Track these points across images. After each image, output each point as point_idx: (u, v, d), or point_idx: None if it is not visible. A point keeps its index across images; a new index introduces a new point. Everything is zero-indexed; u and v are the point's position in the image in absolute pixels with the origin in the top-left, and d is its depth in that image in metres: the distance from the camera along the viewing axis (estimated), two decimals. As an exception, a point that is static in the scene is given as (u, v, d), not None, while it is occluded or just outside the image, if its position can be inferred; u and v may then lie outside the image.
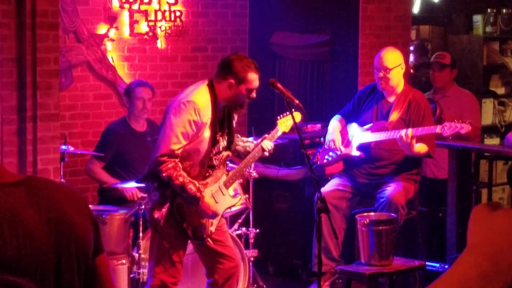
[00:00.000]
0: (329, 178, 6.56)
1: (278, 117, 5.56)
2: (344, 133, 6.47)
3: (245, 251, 6.10)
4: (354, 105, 6.50)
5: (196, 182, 4.96)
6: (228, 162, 5.37)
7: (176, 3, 7.72)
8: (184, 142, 4.90)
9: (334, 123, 6.50)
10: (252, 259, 6.31)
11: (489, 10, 8.68)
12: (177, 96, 5.08)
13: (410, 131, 6.01)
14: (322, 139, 6.86)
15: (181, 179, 4.88)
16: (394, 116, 6.25)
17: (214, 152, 5.05)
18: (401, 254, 6.05)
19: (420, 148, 6.13)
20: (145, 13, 7.57)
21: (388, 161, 6.32)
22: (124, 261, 5.86)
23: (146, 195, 5.29)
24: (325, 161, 6.51)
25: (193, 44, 7.92)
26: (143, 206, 5.71)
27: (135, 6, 7.50)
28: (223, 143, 5.11)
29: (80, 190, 6.76)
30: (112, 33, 7.42)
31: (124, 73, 7.52)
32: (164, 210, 4.98)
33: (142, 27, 7.58)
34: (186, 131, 4.88)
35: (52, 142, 6.13)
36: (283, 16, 8.16)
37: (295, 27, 8.13)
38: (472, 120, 6.23)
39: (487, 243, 1.30)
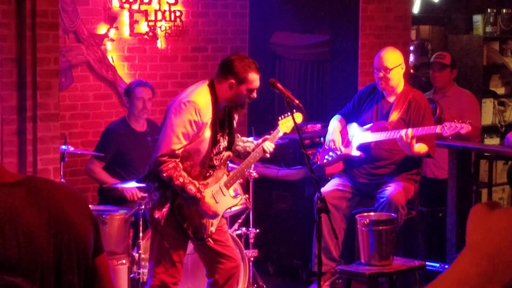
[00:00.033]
0: (329, 178, 6.56)
1: (279, 118, 5.56)
2: (344, 133, 6.47)
3: (245, 251, 6.10)
4: (354, 105, 6.50)
5: (196, 182, 4.96)
6: (228, 162, 5.37)
7: (176, 3, 7.72)
8: (184, 142, 4.90)
9: (334, 123, 6.50)
10: (252, 259, 6.31)
11: (489, 10, 8.68)
12: (177, 96, 5.08)
13: (410, 131, 6.01)
14: (322, 139, 6.86)
15: (181, 179, 4.88)
16: (394, 116, 6.25)
17: (214, 152, 5.05)
18: (401, 254, 6.05)
19: (420, 148, 6.13)
20: (145, 13, 7.57)
21: (388, 161, 6.32)
22: (124, 261, 5.86)
23: (146, 195, 5.29)
24: (325, 161, 6.51)
25: (193, 44, 7.92)
26: (143, 206, 5.71)
27: (135, 6, 7.50)
28: (223, 143, 5.11)
29: (80, 190, 6.76)
30: (112, 33, 7.42)
31: (124, 73, 7.52)
32: (164, 210, 4.98)
33: (142, 27, 7.58)
34: (187, 131, 4.88)
35: (52, 142, 6.13)
36: (283, 16, 8.16)
37: (295, 27, 8.13)
38: (472, 120, 6.23)
39: (487, 242, 1.30)
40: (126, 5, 7.46)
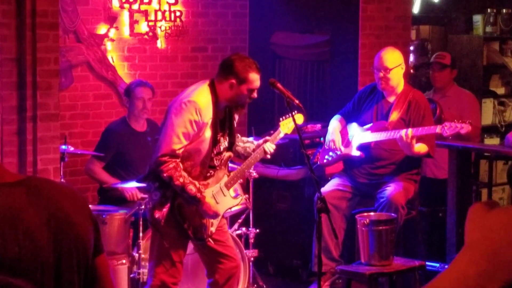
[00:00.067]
0: (329, 178, 6.55)
1: (281, 119, 5.55)
2: (344, 133, 6.47)
3: (245, 251, 6.10)
4: (354, 105, 6.49)
5: (196, 182, 4.96)
6: (229, 163, 5.37)
7: (176, 3, 7.72)
8: (185, 142, 4.90)
9: (334, 123, 6.50)
10: (252, 259, 6.31)
11: (489, 10, 8.68)
12: (178, 96, 5.08)
13: (410, 131, 6.01)
14: (322, 139, 6.86)
15: (181, 179, 4.88)
16: (394, 116, 6.25)
17: (215, 152, 5.05)
18: (401, 254, 6.05)
19: (420, 148, 6.13)
20: (145, 13, 7.57)
21: (388, 161, 6.31)
22: (124, 261, 5.86)
23: (146, 195, 5.29)
24: (325, 161, 6.51)
25: (193, 44, 7.92)
26: (143, 206, 5.71)
27: (135, 6, 7.50)
28: (224, 143, 5.11)
29: (80, 190, 6.76)
30: (112, 33, 7.42)
31: (124, 73, 7.52)
32: (165, 210, 4.98)
33: (142, 27, 7.58)
34: (187, 131, 4.88)
35: (52, 142, 6.13)
36: (283, 16, 8.16)
37: (295, 27, 8.13)
38: (472, 120, 6.23)
39: (485, 241, 1.30)
40: (126, 5, 7.46)
